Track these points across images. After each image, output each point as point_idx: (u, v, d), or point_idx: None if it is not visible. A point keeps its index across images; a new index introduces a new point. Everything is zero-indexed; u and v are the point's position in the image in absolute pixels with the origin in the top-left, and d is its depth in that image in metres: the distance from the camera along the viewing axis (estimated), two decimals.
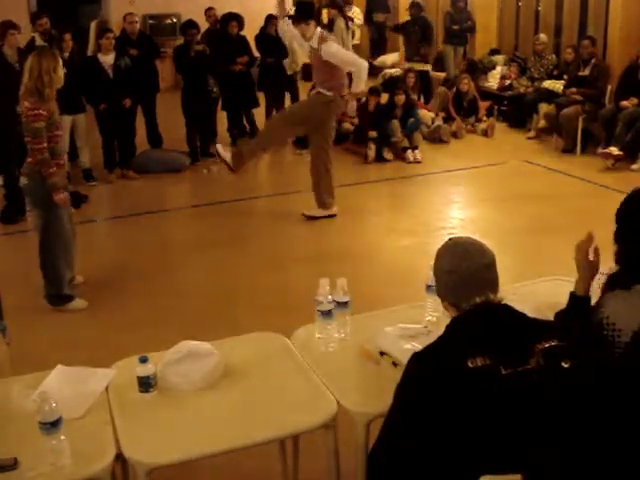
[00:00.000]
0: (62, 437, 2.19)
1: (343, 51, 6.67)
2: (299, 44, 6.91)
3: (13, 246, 6.58)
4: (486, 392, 1.94)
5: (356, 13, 12.90)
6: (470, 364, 1.96)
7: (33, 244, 5.13)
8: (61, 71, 4.79)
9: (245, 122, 9.94)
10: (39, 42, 8.10)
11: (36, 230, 5.01)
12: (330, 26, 10.71)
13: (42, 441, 2.18)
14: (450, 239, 2.26)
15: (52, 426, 2.16)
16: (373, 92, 9.59)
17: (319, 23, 6.63)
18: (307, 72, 9.86)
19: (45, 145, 4.72)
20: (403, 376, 2.09)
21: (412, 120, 9.17)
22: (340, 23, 10.27)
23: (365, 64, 6.59)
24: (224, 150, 6.84)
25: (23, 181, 4.93)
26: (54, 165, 4.78)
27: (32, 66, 4.70)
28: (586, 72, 8.98)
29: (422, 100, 10.91)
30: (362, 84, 6.74)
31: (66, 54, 7.66)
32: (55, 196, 4.78)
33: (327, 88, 6.53)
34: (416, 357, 2.09)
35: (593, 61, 8.92)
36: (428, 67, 11.60)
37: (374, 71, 13.12)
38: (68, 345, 4.61)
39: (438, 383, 1.97)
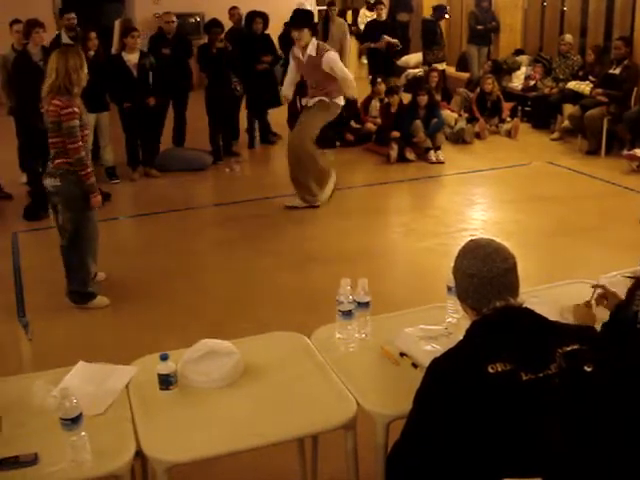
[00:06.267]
0: (82, 433, 2.21)
1: (340, 64, 6.75)
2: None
3: (36, 243, 6.64)
4: (507, 398, 1.92)
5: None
6: (490, 369, 1.93)
7: (55, 241, 5.16)
8: (86, 68, 4.78)
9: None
10: (65, 39, 8.17)
11: (63, 229, 4.92)
12: (325, 25, 10.78)
13: (63, 437, 2.20)
14: (471, 240, 2.23)
15: (73, 422, 2.18)
16: (393, 92, 9.59)
17: (315, 33, 6.75)
18: None
19: (81, 144, 4.65)
20: (423, 381, 2.07)
21: (435, 121, 9.12)
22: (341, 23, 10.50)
23: (351, 79, 6.80)
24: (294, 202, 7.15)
25: (53, 182, 4.74)
26: (90, 165, 4.75)
27: (58, 64, 4.61)
28: (616, 71, 8.90)
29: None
30: (352, 90, 6.87)
31: (91, 52, 7.73)
32: (93, 198, 4.78)
33: (325, 94, 6.66)
34: (436, 362, 2.07)
35: (625, 62, 8.85)
36: (443, 66, 11.71)
37: (397, 71, 13.11)
38: (89, 342, 4.64)
39: (458, 389, 1.95)
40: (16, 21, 7.89)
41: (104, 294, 5.18)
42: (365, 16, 13.44)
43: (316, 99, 6.71)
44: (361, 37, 12.20)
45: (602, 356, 2.06)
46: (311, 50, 6.49)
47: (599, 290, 2.84)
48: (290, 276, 5.64)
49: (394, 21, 14.27)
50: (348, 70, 7.01)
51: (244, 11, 9.93)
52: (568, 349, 2.00)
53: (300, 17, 6.67)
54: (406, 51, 14.35)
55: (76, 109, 4.63)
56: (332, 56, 6.54)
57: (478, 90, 10.44)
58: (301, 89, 7.63)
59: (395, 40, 11.32)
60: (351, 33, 11.98)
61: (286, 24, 9.51)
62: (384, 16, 11.67)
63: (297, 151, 6.83)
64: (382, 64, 11.28)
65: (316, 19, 7.54)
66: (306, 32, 6.52)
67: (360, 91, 10.58)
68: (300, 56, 6.66)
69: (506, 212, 7.10)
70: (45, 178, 4.86)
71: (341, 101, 6.78)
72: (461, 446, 1.92)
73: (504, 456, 1.91)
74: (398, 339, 2.78)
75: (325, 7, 12.97)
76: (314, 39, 6.58)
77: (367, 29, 11.83)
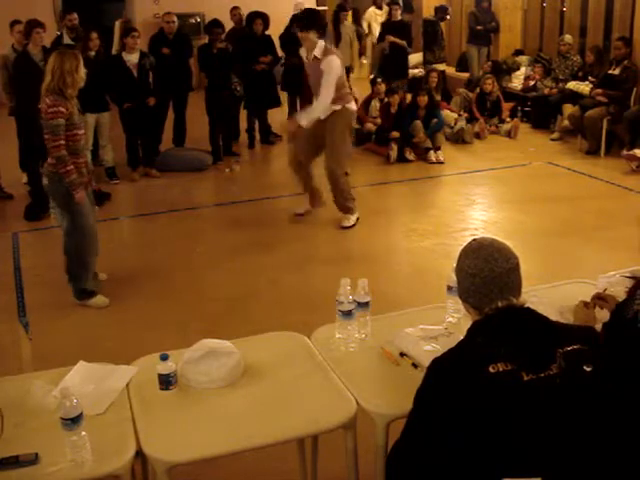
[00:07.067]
0: (83, 433, 2.21)
1: (333, 76, 6.29)
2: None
3: (36, 243, 6.64)
4: (508, 398, 1.92)
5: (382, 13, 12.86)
6: (491, 369, 1.93)
7: (56, 241, 5.17)
8: (83, 70, 4.80)
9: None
10: (67, 39, 8.17)
11: (61, 228, 5.01)
12: (336, 28, 10.76)
13: (63, 437, 2.20)
14: (474, 240, 2.22)
15: (73, 422, 2.17)
16: (393, 92, 9.59)
17: (322, 35, 6.53)
18: None
19: (62, 143, 4.70)
20: (423, 381, 2.07)
21: (435, 121, 9.12)
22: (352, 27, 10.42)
23: (327, 103, 6.33)
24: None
25: (44, 181, 4.93)
26: (71, 163, 4.77)
27: (54, 66, 4.69)
28: (616, 72, 8.91)
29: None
30: (311, 117, 6.35)
31: (92, 53, 7.73)
32: (75, 195, 4.80)
33: (336, 101, 6.41)
34: (436, 362, 2.07)
35: (625, 62, 8.85)
36: (443, 66, 11.69)
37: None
38: (90, 341, 4.64)
39: (459, 389, 1.95)
40: (17, 22, 7.90)
41: (104, 294, 5.18)
42: (375, 14, 13.30)
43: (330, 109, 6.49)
44: (377, 38, 12.02)
45: (602, 356, 2.06)
46: (317, 52, 6.38)
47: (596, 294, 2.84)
48: (290, 276, 5.64)
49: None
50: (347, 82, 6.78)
51: (245, 12, 9.93)
52: (568, 349, 2.00)
53: (307, 18, 6.54)
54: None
55: (62, 109, 4.67)
56: (330, 62, 6.26)
57: (478, 90, 10.45)
58: (301, 90, 7.61)
59: (402, 42, 11.18)
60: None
61: (293, 20, 9.45)
62: (399, 17, 11.48)
63: (335, 174, 6.59)
64: (389, 66, 11.20)
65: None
66: (312, 34, 6.36)
67: (360, 91, 10.63)
68: (305, 58, 6.59)
69: (506, 212, 7.10)
70: (42, 177, 5.00)
71: (353, 106, 6.62)
72: (461, 446, 1.92)
73: (504, 456, 1.91)
74: (398, 339, 2.78)
75: (325, 7, 12.94)
76: (321, 42, 6.43)
77: (382, 30, 11.67)
